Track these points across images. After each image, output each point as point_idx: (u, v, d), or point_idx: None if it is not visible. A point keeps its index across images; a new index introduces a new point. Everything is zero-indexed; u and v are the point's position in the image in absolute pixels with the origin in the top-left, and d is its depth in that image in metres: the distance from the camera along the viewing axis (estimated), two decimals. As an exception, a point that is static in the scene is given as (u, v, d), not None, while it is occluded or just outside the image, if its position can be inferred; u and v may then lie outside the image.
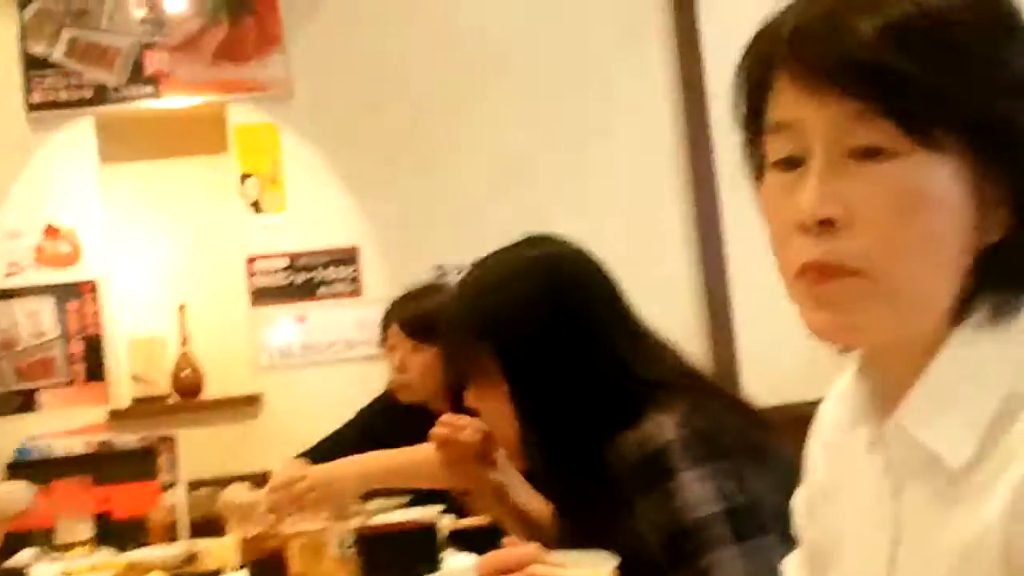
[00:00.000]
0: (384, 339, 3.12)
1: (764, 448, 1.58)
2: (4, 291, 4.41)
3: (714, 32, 4.57)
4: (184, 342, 4.53)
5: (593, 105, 4.61)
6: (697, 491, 1.50)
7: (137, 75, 4.49)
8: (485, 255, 1.78)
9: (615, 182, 4.59)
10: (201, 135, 4.60)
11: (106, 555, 2.74)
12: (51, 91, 4.47)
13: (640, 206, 4.58)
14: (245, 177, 4.53)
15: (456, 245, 4.20)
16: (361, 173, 4.54)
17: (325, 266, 4.52)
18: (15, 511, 2.65)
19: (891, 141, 0.84)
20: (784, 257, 0.90)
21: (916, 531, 0.90)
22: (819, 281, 0.87)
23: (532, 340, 1.66)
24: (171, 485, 2.82)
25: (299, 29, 4.56)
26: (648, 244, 4.49)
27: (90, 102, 4.49)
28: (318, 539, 2.26)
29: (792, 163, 0.89)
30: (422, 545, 2.19)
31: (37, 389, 4.39)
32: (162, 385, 4.51)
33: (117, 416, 4.37)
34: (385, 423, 3.04)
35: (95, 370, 4.43)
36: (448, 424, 1.95)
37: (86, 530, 2.74)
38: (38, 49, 4.46)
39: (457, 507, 2.56)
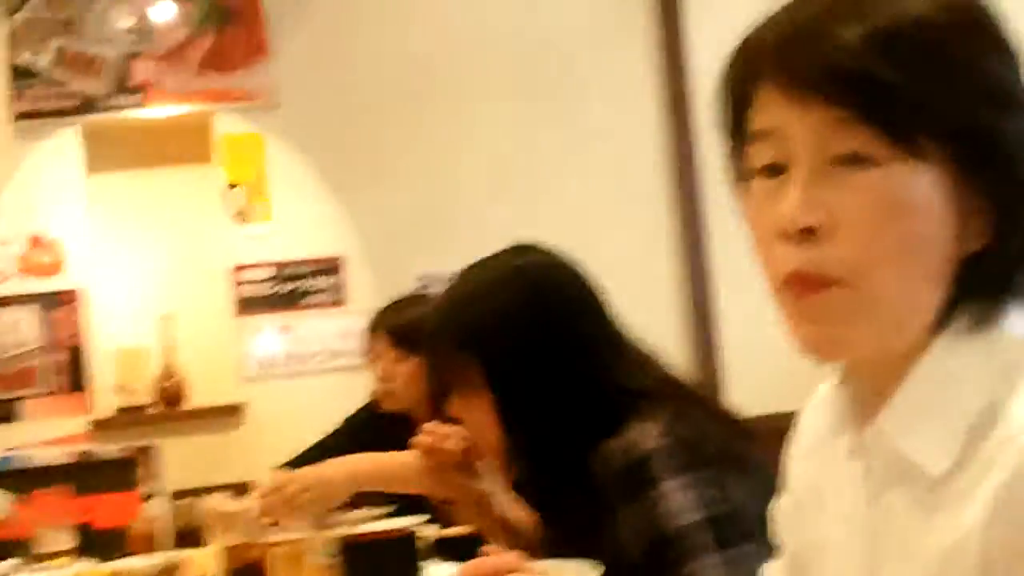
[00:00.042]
0: (368, 349, 3.13)
1: (746, 457, 1.59)
2: (-12, 300, 4.40)
3: (699, 41, 4.59)
4: (168, 352, 4.51)
5: (579, 116, 4.63)
6: (679, 499, 1.50)
7: (123, 85, 4.50)
8: (470, 264, 1.78)
9: (600, 193, 4.60)
10: (187, 145, 4.60)
11: (88, 565, 2.72)
12: (37, 100, 4.46)
13: (624, 216, 4.59)
14: (231, 187, 4.53)
15: (441, 255, 4.19)
16: (346, 183, 4.54)
17: (310, 276, 4.52)
18: (-7, 520, 2.64)
19: (874, 149, 0.85)
20: (768, 266, 0.90)
21: (896, 538, 0.90)
22: (803, 293, 0.87)
23: (515, 349, 1.67)
24: (153, 495, 2.81)
25: (285, 39, 4.57)
26: (632, 254, 4.50)
27: (76, 111, 4.48)
28: (299, 548, 2.26)
29: (775, 170, 0.89)
30: (403, 554, 2.18)
31: (19, 399, 4.38)
32: (145, 395, 4.50)
33: (100, 426, 4.36)
34: (369, 432, 3.04)
35: (78, 380, 4.42)
36: (431, 432, 1.95)
37: (67, 540, 2.73)
38: (24, 58, 4.46)
39: (441, 517, 2.56)
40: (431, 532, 2.48)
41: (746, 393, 3.69)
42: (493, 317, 1.69)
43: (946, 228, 0.86)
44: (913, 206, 0.85)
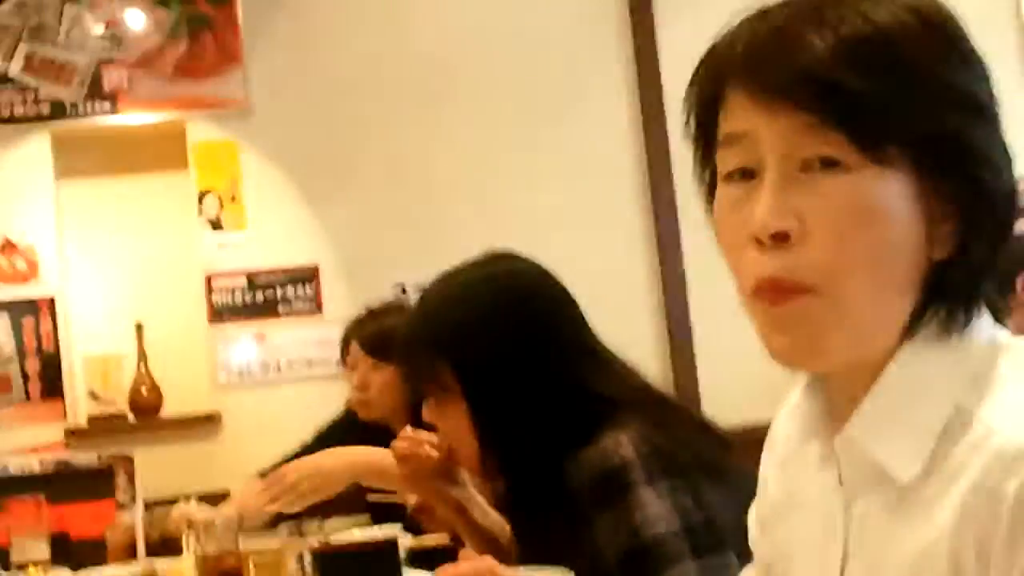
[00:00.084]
0: (344, 357, 3.12)
1: (722, 465, 1.60)
2: (-41, 308, 4.37)
3: (673, 50, 4.60)
4: (142, 360, 4.49)
5: (554, 126, 4.63)
6: (655, 508, 1.51)
7: (95, 91, 4.47)
8: (445, 271, 1.79)
9: (575, 203, 4.60)
10: (160, 152, 4.58)
11: (62, 574, 2.71)
12: (7, 106, 4.44)
13: (599, 226, 4.60)
14: (204, 194, 4.51)
15: (416, 264, 4.19)
16: (321, 191, 4.53)
17: (285, 284, 4.50)
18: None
19: (843, 154, 0.86)
20: (739, 271, 0.91)
21: (867, 544, 0.91)
22: (776, 301, 0.87)
23: (489, 356, 1.68)
24: (128, 504, 2.80)
25: (258, 46, 4.56)
26: (608, 264, 4.49)
27: (48, 118, 4.46)
28: (277, 557, 2.26)
29: (744, 175, 0.90)
30: (382, 563, 2.18)
31: (-8, 407, 4.35)
32: (120, 403, 4.47)
33: (75, 435, 4.33)
34: (345, 441, 3.04)
35: (52, 388, 4.39)
36: (409, 438, 1.95)
37: (42, 549, 2.71)
38: (-5, 63, 4.44)
39: (415, 526, 2.56)
40: (405, 542, 2.48)
41: (722, 404, 3.70)
42: (467, 323, 1.70)
43: (914, 235, 0.87)
44: (883, 212, 0.86)
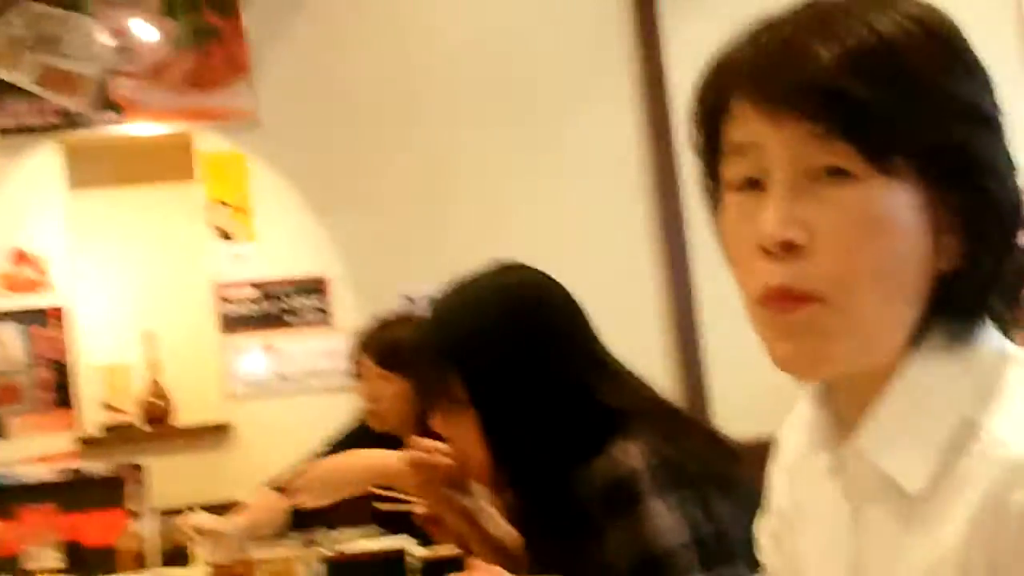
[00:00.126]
0: (354, 368, 3.13)
1: (731, 477, 1.59)
2: (-29, 317, 4.38)
3: (678, 62, 4.61)
4: (152, 370, 4.51)
5: (561, 137, 4.64)
6: (665, 519, 1.51)
7: (104, 102, 4.49)
8: (456, 281, 1.80)
9: (583, 214, 4.61)
10: (168, 162, 4.59)
11: (74, 583, 2.72)
12: (18, 116, 4.46)
13: (608, 237, 4.60)
14: (213, 205, 4.53)
15: (425, 275, 4.21)
16: (330, 203, 4.54)
17: (293, 295, 4.51)
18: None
19: (851, 164, 0.85)
20: (745, 281, 0.91)
21: (876, 556, 0.91)
22: (784, 309, 0.87)
23: (498, 366, 1.68)
24: (139, 514, 2.81)
25: (267, 58, 4.57)
26: (616, 276, 4.50)
27: (57, 128, 4.48)
28: (286, 566, 2.26)
29: (751, 185, 0.90)
30: (390, 573, 2.19)
31: (4, 416, 4.36)
32: (131, 413, 4.49)
33: (87, 444, 4.34)
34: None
35: (63, 397, 4.40)
36: (422, 447, 1.96)
37: (54, 558, 2.73)
38: (5, 74, 4.46)
39: (427, 538, 2.57)
40: (418, 553, 2.49)
41: (733, 415, 3.70)
42: (477, 334, 1.70)
43: (921, 246, 0.87)
44: (891, 223, 0.86)
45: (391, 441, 2.78)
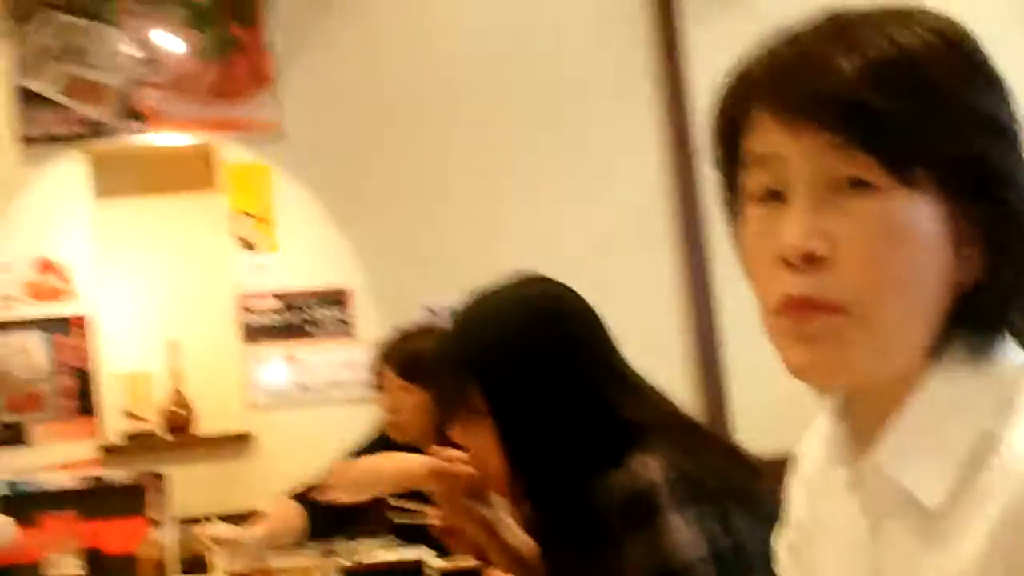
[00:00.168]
0: (375, 379, 3.13)
1: (751, 491, 1.59)
2: (-4, 324, 4.41)
3: (701, 76, 4.61)
4: (174, 379, 4.53)
5: (585, 151, 4.65)
6: (683, 533, 1.51)
7: (129, 112, 4.52)
8: (477, 293, 1.80)
9: (605, 229, 4.61)
10: (192, 173, 4.62)
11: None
12: (44, 125, 4.49)
13: (629, 252, 4.60)
14: (237, 215, 4.55)
15: (447, 287, 4.21)
16: (353, 214, 4.56)
17: (316, 306, 4.53)
18: (-4, 546, 2.65)
19: (873, 176, 0.85)
20: (764, 292, 0.90)
21: (895, 571, 0.90)
22: (803, 318, 0.87)
23: (518, 377, 1.68)
24: (160, 522, 2.82)
25: (291, 69, 4.59)
26: (637, 289, 4.49)
27: (82, 138, 4.51)
28: (305, 575, 2.27)
29: (771, 197, 0.90)
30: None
31: (27, 423, 4.38)
32: (153, 421, 4.51)
33: (108, 452, 4.36)
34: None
35: (86, 405, 4.42)
36: (443, 456, 1.96)
37: (75, 565, 2.74)
38: (32, 84, 4.49)
39: (442, 548, 2.57)
40: (435, 564, 2.49)
41: (754, 429, 3.69)
42: (496, 345, 1.70)
43: (942, 258, 0.87)
44: (913, 234, 0.86)
45: (411, 452, 2.79)
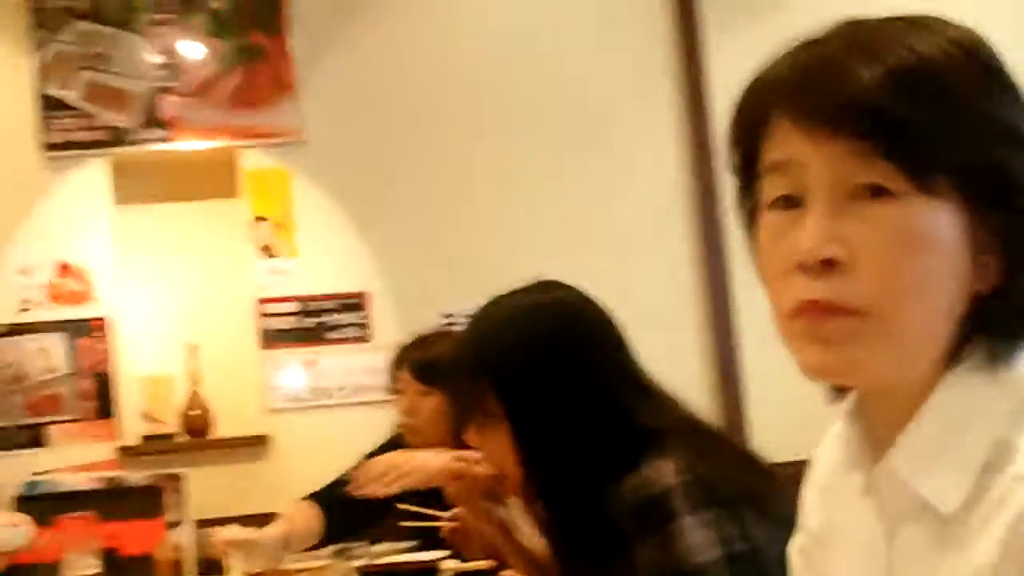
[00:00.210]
0: (393, 384, 3.14)
1: (766, 496, 1.59)
2: (16, 326, 4.44)
3: (722, 85, 4.61)
4: (193, 381, 4.55)
5: (604, 158, 4.65)
6: (698, 536, 1.51)
7: (151, 119, 4.55)
8: (494, 297, 1.81)
9: (624, 235, 4.61)
10: (213, 179, 4.64)
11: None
12: (67, 132, 4.52)
13: (647, 256, 4.60)
14: (257, 221, 4.57)
15: (465, 292, 4.22)
16: (372, 219, 4.57)
17: (334, 311, 4.54)
18: (14, 547, 2.66)
19: (892, 183, 0.86)
20: (779, 298, 0.91)
21: (909, 575, 0.91)
22: (819, 319, 0.87)
23: (534, 382, 1.69)
24: (178, 523, 2.83)
25: (312, 76, 4.62)
26: (654, 294, 4.49)
27: (104, 144, 4.54)
28: (322, 577, 2.27)
29: (789, 203, 0.90)
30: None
31: (47, 424, 4.41)
32: (171, 424, 4.53)
33: (127, 453, 4.39)
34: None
35: (105, 407, 4.45)
36: (461, 458, 1.97)
37: (93, 565, 2.75)
38: (55, 90, 4.52)
39: (461, 552, 2.57)
40: (451, 565, 2.50)
41: (771, 436, 3.68)
42: (512, 349, 1.71)
43: (960, 265, 0.87)
44: (932, 242, 0.86)
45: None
